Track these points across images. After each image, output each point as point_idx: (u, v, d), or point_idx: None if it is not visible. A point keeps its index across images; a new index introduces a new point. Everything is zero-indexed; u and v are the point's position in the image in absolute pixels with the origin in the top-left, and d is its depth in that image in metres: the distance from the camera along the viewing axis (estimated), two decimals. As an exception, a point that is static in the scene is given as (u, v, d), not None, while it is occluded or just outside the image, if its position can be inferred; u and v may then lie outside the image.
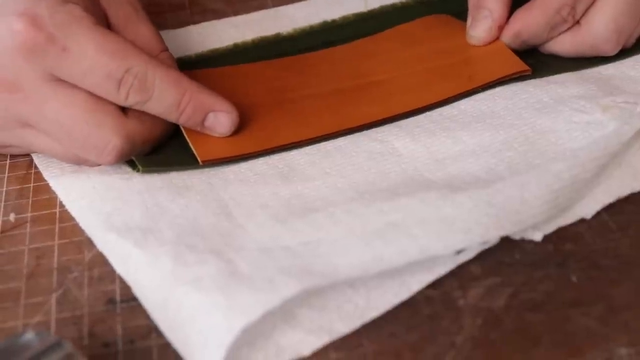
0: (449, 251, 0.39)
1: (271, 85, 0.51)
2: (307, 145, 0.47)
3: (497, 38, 0.52)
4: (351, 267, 0.38)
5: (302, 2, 0.61)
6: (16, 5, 0.42)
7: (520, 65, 0.51)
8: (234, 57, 0.55)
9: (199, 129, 0.46)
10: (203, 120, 0.45)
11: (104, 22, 0.46)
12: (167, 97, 0.44)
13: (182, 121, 0.45)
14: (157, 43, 0.47)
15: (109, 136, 0.43)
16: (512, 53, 0.52)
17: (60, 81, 0.43)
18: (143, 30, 0.47)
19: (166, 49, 0.48)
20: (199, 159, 0.46)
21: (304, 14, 0.60)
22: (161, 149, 0.47)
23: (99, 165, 0.45)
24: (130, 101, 0.43)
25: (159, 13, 0.62)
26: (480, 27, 0.52)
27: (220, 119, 0.46)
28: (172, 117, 0.45)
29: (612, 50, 0.51)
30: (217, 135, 0.46)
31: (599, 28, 0.50)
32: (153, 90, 0.43)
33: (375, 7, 0.60)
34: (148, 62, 0.43)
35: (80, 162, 0.46)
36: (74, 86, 0.43)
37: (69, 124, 0.43)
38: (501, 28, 0.52)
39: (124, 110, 0.44)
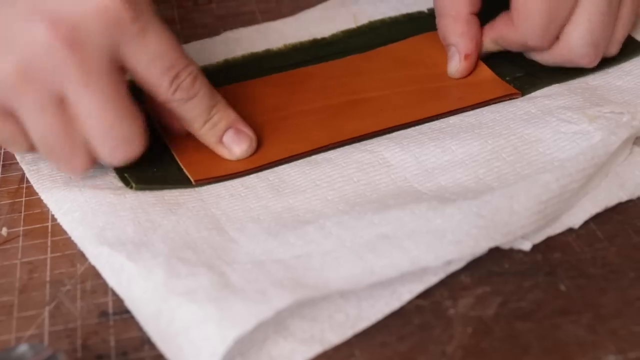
0: (439, 263, 0.39)
1: (263, 104, 0.52)
2: (298, 159, 0.48)
3: (478, 65, 0.53)
4: (343, 280, 0.38)
5: (292, 17, 0.62)
6: None
7: (509, 89, 0.51)
8: (225, 73, 0.55)
9: (214, 143, 0.47)
10: (223, 134, 0.46)
11: None
12: (205, 101, 0.45)
13: (206, 128, 0.46)
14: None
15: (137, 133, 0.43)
16: (501, 80, 0.52)
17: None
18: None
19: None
20: (191, 179, 0.46)
21: (294, 30, 0.60)
22: (154, 166, 0.47)
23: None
24: (176, 96, 0.44)
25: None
26: (452, 63, 0.53)
27: (241, 138, 0.47)
28: (199, 122, 0.46)
29: (591, 63, 0.51)
30: (228, 155, 0.47)
31: (576, 43, 0.50)
32: (197, 92, 0.45)
33: (364, 23, 0.60)
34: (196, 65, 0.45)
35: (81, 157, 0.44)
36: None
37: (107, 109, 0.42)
38: (471, 57, 0.52)
39: None
